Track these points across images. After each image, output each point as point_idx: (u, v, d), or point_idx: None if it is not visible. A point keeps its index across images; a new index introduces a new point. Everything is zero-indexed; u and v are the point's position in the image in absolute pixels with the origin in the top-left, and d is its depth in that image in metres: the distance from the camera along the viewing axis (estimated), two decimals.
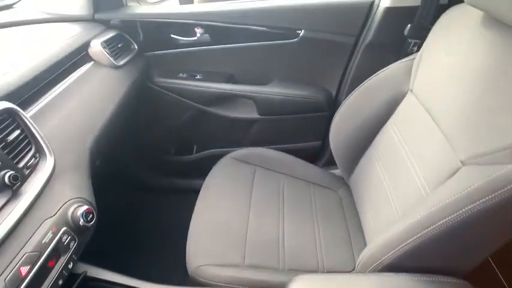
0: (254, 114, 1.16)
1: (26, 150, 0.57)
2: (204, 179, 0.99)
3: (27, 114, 0.60)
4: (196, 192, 0.94)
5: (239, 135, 1.24)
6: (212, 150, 1.29)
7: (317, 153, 1.25)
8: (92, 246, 0.69)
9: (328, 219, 0.92)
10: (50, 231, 0.52)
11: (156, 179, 1.37)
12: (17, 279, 0.46)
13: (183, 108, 1.17)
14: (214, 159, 1.06)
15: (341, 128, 0.96)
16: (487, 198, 0.46)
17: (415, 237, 0.52)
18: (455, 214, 0.48)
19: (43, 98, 0.69)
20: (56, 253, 0.53)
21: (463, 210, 0.48)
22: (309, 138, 1.22)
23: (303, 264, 0.78)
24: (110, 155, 0.99)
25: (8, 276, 0.46)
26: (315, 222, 0.90)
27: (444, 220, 0.49)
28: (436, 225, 0.50)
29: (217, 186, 0.97)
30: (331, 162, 1.19)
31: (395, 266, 0.55)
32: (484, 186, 0.47)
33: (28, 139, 0.57)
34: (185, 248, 0.81)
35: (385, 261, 0.56)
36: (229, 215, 0.87)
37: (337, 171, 1.11)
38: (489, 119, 0.53)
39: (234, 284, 0.68)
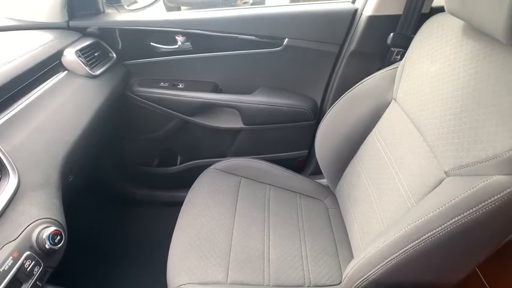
0: (239, 124, 1.13)
1: None
2: (188, 190, 0.96)
3: None
4: (179, 204, 0.91)
5: (224, 145, 1.21)
6: (196, 161, 1.25)
7: (303, 163, 1.24)
8: (64, 265, 0.65)
9: (314, 231, 0.90)
10: (11, 257, 0.48)
11: (138, 191, 1.32)
12: None
13: (165, 118, 1.13)
14: (198, 171, 1.02)
15: (326, 137, 0.95)
16: (471, 210, 0.46)
17: (401, 251, 0.50)
18: (440, 227, 0.48)
19: (8, 110, 0.65)
20: (17, 281, 0.48)
21: (448, 223, 0.47)
22: (295, 147, 1.20)
23: (289, 279, 0.75)
24: (86, 168, 0.94)
25: None
26: (301, 235, 0.87)
27: (429, 234, 0.48)
28: (422, 239, 0.49)
29: (200, 200, 0.94)
30: (317, 172, 1.18)
31: (381, 281, 0.54)
32: (468, 198, 0.47)
33: None
34: (166, 265, 0.77)
35: (370, 276, 0.54)
36: (213, 231, 0.84)
37: (323, 181, 1.10)
38: (472, 129, 0.53)
39: None
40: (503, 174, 0.45)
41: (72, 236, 0.62)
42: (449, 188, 0.52)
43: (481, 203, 0.45)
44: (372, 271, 0.54)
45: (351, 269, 0.60)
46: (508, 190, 0.44)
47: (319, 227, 0.92)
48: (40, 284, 0.52)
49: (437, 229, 0.48)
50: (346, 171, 0.92)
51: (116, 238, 1.21)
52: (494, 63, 0.52)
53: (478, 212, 0.45)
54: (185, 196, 0.93)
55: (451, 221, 0.47)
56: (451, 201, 0.48)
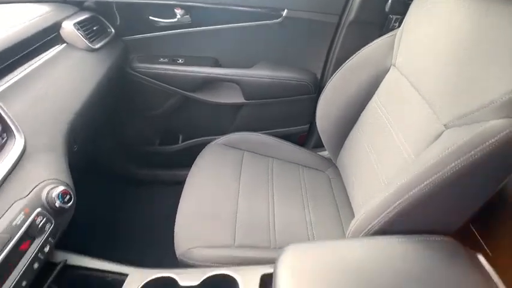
0: (240, 99, 1.13)
1: None
2: (190, 169, 0.96)
3: None
4: (182, 183, 0.91)
5: (225, 122, 1.22)
6: (198, 139, 1.26)
7: (304, 138, 1.24)
8: (71, 238, 0.66)
9: (317, 198, 0.91)
10: (22, 213, 0.49)
11: (140, 171, 1.33)
12: None
13: (166, 95, 1.13)
14: (200, 149, 1.03)
15: (326, 109, 0.96)
16: (471, 153, 0.47)
17: (403, 199, 0.52)
18: (441, 172, 0.49)
19: (10, 76, 0.65)
20: (29, 236, 0.49)
21: (449, 167, 0.48)
22: (296, 122, 1.21)
23: (294, 241, 0.76)
24: (88, 144, 0.94)
25: None
26: (304, 202, 0.89)
27: (431, 179, 0.49)
28: (423, 185, 0.50)
29: (204, 171, 0.95)
30: (318, 145, 1.19)
31: (385, 231, 0.55)
32: (466, 143, 0.48)
33: None
34: (172, 239, 0.78)
35: (374, 226, 0.55)
36: (218, 199, 0.85)
37: (325, 153, 1.11)
38: (468, 81, 0.54)
39: (225, 263, 0.66)
40: (499, 118, 0.46)
41: (75, 215, 0.63)
42: (449, 138, 0.53)
43: (478, 147, 0.46)
44: (376, 221, 0.55)
45: (353, 224, 0.61)
46: (504, 132, 0.45)
47: (322, 195, 0.93)
48: (53, 241, 0.53)
49: (438, 174, 0.49)
50: (347, 140, 0.93)
51: (121, 214, 1.22)
52: (491, 19, 0.53)
53: (476, 155, 0.46)
54: (187, 175, 0.94)
55: (451, 165, 0.48)
56: (450, 147, 0.49)
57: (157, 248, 0.94)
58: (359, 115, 0.88)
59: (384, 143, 0.74)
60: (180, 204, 0.85)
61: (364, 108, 0.87)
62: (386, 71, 0.82)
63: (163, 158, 1.30)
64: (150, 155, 1.30)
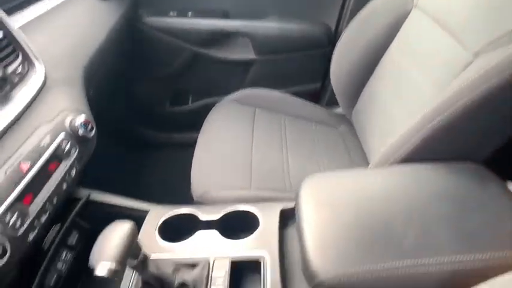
0: (251, 55, 1.11)
1: (12, 57, 0.52)
2: None
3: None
4: (193, 145, 0.89)
5: (236, 80, 1.20)
6: (209, 99, 1.25)
7: (317, 96, 1.23)
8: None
9: (330, 152, 0.91)
10: (48, 136, 0.50)
11: (152, 133, 1.33)
12: (18, 174, 0.44)
13: (176, 51, 1.11)
14: (211, 109, 1.01)
15: (341, 61, 0.93)
16: (500, 76, 0.45)
17: (430, 124, 0.51)
18: (469, 96, 0.48)
19: (30, 10, 0.64)
20: (56, 158, 0.50)
21: (479, 91, 0.47)
22: (309, 78, 1.19)
23: None
24: (102, 96, 0.93)
25: (9, 170, 0.43)
26: (317, 156, 0.89)
27: (459, 103, 0.48)
28: (452, 109, 0.49)
29: (217, 126, 0.94)
30: (331, 103, 1.18)
31: (410, 159, 0.54)
32: (497, 65, 0.46)
33: (12, 45, 0.53)
34: (185, 193, 0.78)
35: (400, 155, 0.55)
36: (232, 149, 0.85)
37: (338, 110, 1.10)
38: (496, 8, 0.53)
39: (243, 201, 0.67)
40: None
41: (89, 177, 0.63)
42: (477, 65, 0.52)
43: (507, 70, 0.45)
44: (401, 150, 0.54)
45: (377, 157, 0.61)
46: None
47: (334, 149, 0.92)
48: (78, 166, 0.53)
49: (466, 99, 0.48)
50: (363, 91, 0.91)
51: (131, 180, 1.22)
52: None
53: (506, 78, 0.45)
54: (197, 136, 0.92)
55: (482, 88, 0.47)
56: (479, 72, 0.48)
57: (171, 196, 0.94)
58: (377, 63, 0.86)
59: (406, 87, 0.72)
60: (195, 152, 0.85)
61: (382, 55, 0.84)
62: (407, 14, 0.79)
63: (174, 120, 1.30)
64: (161, 117, 1.30)
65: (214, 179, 0.76)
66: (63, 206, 0.61)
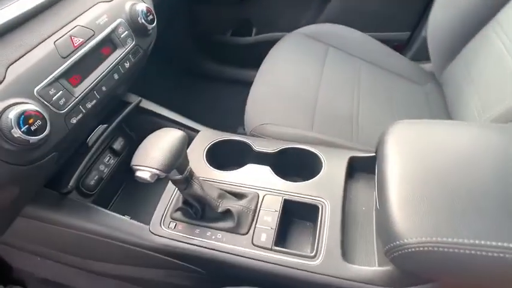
0: None
1: None
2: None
3: None
4: (248, 84, 0.78)
5: (309, 15, 1.05)
6: (274, 34, 1.11)
7: (403, 46, 1.04)
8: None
9: (410, 110, 0.77)
10: (105, 15, 0.44)
11: (207, 63, 1.24)
12: (68, 48, 0.39)
13: None
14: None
15: (445, 10, 0.75)
16: None
17: None
18: None
19: None
20: (111, 43, 0.44)
21: None
22: (396, 25, 1.00)
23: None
24: (164, 12, 0.85)
25: (59, 41, 0.38)
26: (394, 111, 0.75)
27: None
28: None
29: (283, 56, 0.83)
30: (418, 57, 0.99)
31: None
32: None
33: None
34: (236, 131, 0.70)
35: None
36: (297, 82, 0.75)
37: (427, 66, 0.91)
38: None
39: (301, 140, 0.58)
40: None
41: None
42: None
43: None
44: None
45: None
46: None
47: (416, 108, 0.78)
48: (132, 59, 0.47)
49: None
50: (462, 52, 0.73)
51: (181, 106, 1.18)
52: None
53: None
54: (255, 75, 0.80)
55: None
56: None
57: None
58: (490, 17, 0.66)
59: None
60: (254, 83, 0.76)
61: (500, 6, 0.64)
62: None
63: (233, 51, 1.19)
64: (220, 46, 1.20)
65: (272, 113, 0.67)
66: (112, 108, 0.56)
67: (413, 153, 0.41)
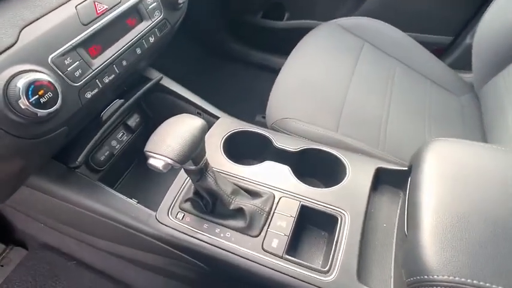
0: None
1: None
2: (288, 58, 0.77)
3: None
4: (275, 72, 0.73)
5: (347, 6, 0.98)
6: (307, 21, 1.05)
7: (442, 51, 0.96)
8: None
9: (443, 121, 0.71)
10: None
11: (235, 44, 1.18)
12: (90, 14, 0.36)
13: None
14: (307, 33, 0.82)
15: (499, 18, 0.68)
16: None
17: None
18: None
19: None
20: (137, 14, 0.40)
21: None
22: (439, 28, 0.92)
23: (405, 154, 0.61)
24: None
25: (81, 4, 0.35)
26: (426, 119, 0.70)
27: None
28: None
29: (314, 48, 0.78)
30: (458, 65, 0.92)
31: None
32: None
33: None
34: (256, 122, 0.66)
35: None
36: (326, 79, 0.70)
37: (465, 76, 0.85)
38: None
39: (323, 142, 0.54)
40: None
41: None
42: None
43: None
44: None
45: None
46: None
47: (449, 119, 0.72)
48: (158, 34, 0.43)
49: None
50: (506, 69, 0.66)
51: (205, 88, 1.14)
52: None
53: None
54: (283, 63, 0.75)
55: None
56: None
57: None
58: None
59: None
60: (280, 73, 0.71)
61: None
62: None
63: (263, 34, 1.13)
64: (249, 27, 1.14)
65: (297, 108, 0.63)
66: (131, 82, 0.53)
67: (455, 179, 0.36)
